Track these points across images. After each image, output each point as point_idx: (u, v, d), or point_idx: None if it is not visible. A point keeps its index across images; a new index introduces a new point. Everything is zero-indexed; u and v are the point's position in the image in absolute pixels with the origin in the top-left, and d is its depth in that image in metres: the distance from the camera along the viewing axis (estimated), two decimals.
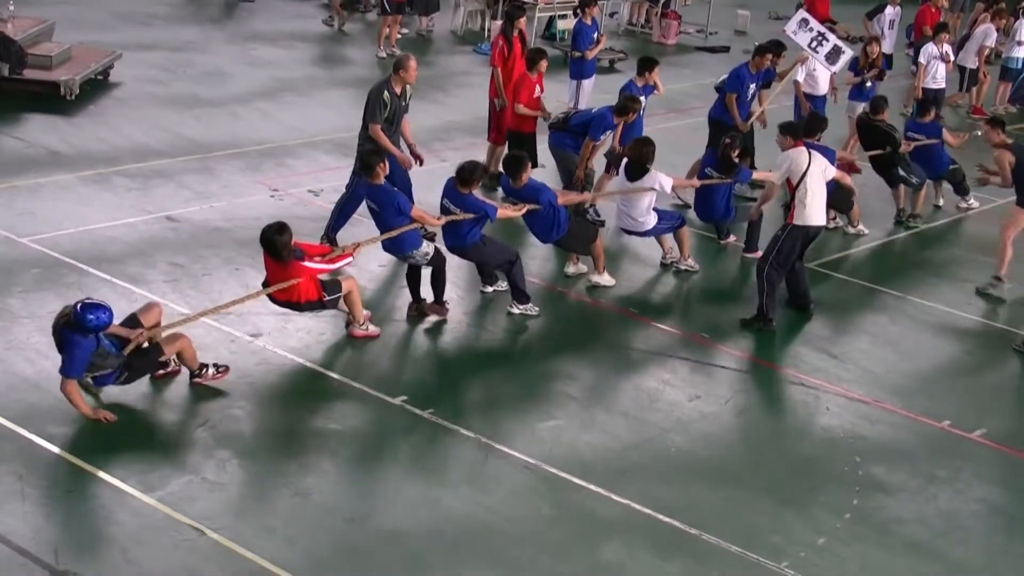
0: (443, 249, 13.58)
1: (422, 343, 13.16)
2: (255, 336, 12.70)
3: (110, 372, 11.11)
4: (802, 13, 19.62)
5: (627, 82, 17.57)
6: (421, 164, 15.28)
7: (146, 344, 11.38)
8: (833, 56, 18.82)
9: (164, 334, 11.51)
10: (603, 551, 9.88)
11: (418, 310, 13.54)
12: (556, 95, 21.69)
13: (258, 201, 16.45)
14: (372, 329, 12.99)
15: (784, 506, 10.73)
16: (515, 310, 13.80)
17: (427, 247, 13.36)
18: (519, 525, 10.11)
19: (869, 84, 20.41)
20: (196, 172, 17.32)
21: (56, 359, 11.67)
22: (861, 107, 19.26)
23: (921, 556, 10.28)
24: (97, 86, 20.92)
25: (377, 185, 13.15)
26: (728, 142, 15.51)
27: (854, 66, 20.65)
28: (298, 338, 12.78)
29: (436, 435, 11.31)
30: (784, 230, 13.92)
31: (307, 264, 12.26)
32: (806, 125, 15.04)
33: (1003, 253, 15.56)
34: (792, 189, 13.88)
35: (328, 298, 12.54)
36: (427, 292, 13.53)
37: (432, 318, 13.46)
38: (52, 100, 19.64)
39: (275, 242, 12.01)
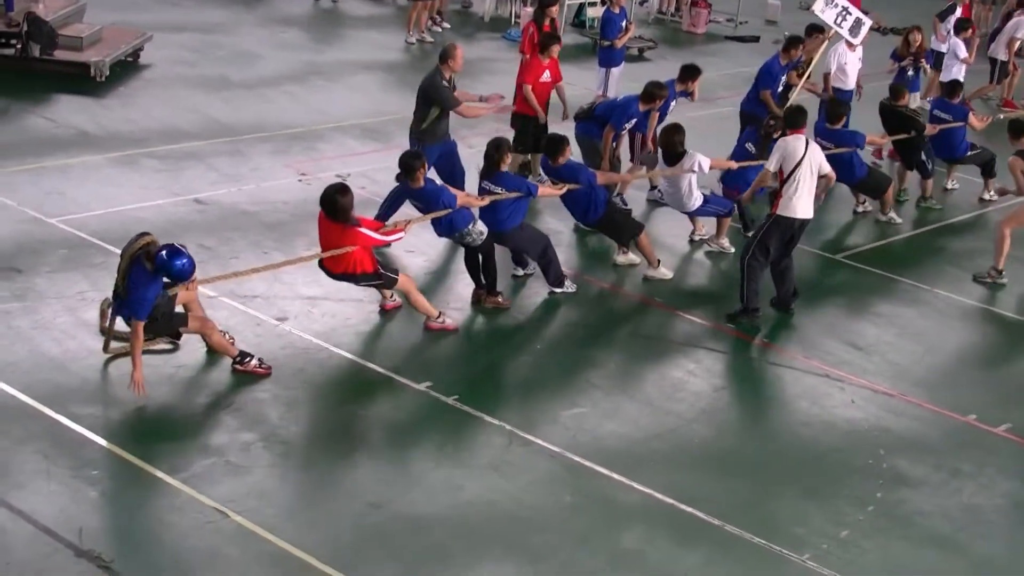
0: None
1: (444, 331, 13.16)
2: (281, 320, 12.73)
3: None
4: None
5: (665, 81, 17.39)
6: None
7: (181, 308, 11.48)
8: (855, 29, 18.71)
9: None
10: (624, 539, 9.89)
11: (482, 297, 13.63)
12: (585, 83, 21.71)
13: (286, 185, 16.48)
14: (448, 322, 12.99)
15: (807, 498, 10.71)
16: (557, 290, 13.91)
17: (482, 225, 13.39)
18: (541, 512, 10.12)
19: (911, 73, 20.37)
20: (225, 155, 17.36)
21: (82, 340, 11.75)
22: (902, 83, 19.21)
23: (944, 550, 10.25)
24: (127, 67, 20.98)
25: (419, 187, 13.16)
26: (771, 123, 15.52)
27: (894, 54, 20.63)
28: (323, 322, 12.80)
29: (460, 422, 11.32)
30: (768, 219, 13.78)
31: (363, 231, 12.24)
32: (790, 117, 14.72)
33: (1001, 245, 15.53)
34: (782, 179, 13.65)
35: (383, 272, 12.54)
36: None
37: (456, 305, 13.47)
38: (82, 81, 19.70)
39: (337, 202, 11.99)
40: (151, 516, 9.62)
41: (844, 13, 18.67)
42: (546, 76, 16.97)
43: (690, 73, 16.96)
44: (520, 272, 14.27)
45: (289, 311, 12.93)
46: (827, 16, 18.81)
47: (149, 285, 10.89)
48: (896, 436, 11.87)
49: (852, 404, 12.36)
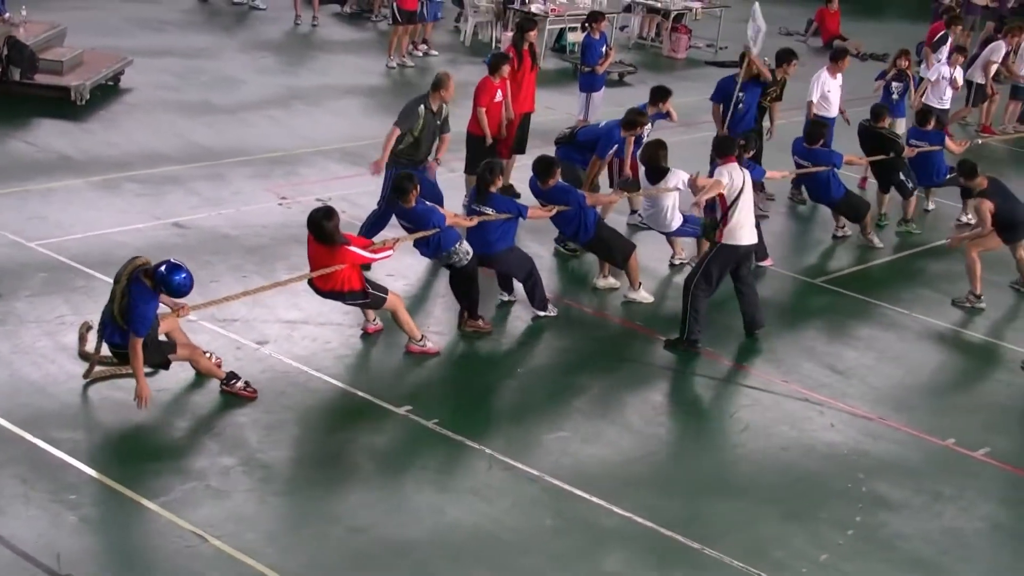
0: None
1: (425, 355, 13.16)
2: (261, 344, 12.72)
3: (127, 332, 11.13)
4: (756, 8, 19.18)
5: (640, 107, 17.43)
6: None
7: (164, 337, 11.49)
8: (755, 37, 18.47)
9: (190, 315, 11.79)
10: (605, 563, 9.89)
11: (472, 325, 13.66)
12: (566, 107, 21.78)
13: (267, 209, 16.48)
14: (430, 345, 13.00)
15: (787, 521, 10.72)
16: (540, 313, 13.96)
17: (467, 245, 13.41)
18: (523, 536, 10.12)
19: (896, 96, 20.48)
20: (205, 179, 17.36)
21: (61, 364, 11.74)
22: (889, 121, 19.29)
23: (925, 573, 10.27)
24: (108, 91, 20.97)
25: (411, 208, 13.19)
26: (743, 143, 15.53)
27: (882, 76, 20.76)
28: (304, 346, 12.80)
29: (441, 445, 11.32)
30: (712, 248, 13.69)
31: (352, 249, 12.31)
32: (723, 144, 14.45)
33: (973, 269, 15.56)
34: (725, 208, 13.54)
35: (371, 290, 12.57)
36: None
37: (436, 329, 13.48)
38: (63, 105, 19.69)
39: (323, 227, 12.08)
40: (130, 540, 9.61)
41: (756, 28, 18.55)
42: (498, 96, 16.99)
43: (661, 95, 17.00)
44: (506, 297, 14.29)
45: (269, 335, 12.92)
46: (751, 32, 18.68)
47: (150, 302, 11.00)
48: (876, 460, 11.89)
49: (832, 428, 12.38)
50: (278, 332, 13.01)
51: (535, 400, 12.47)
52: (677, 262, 15.79)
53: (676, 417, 12.61)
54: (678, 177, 14.70)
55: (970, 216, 18.47)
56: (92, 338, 11.87)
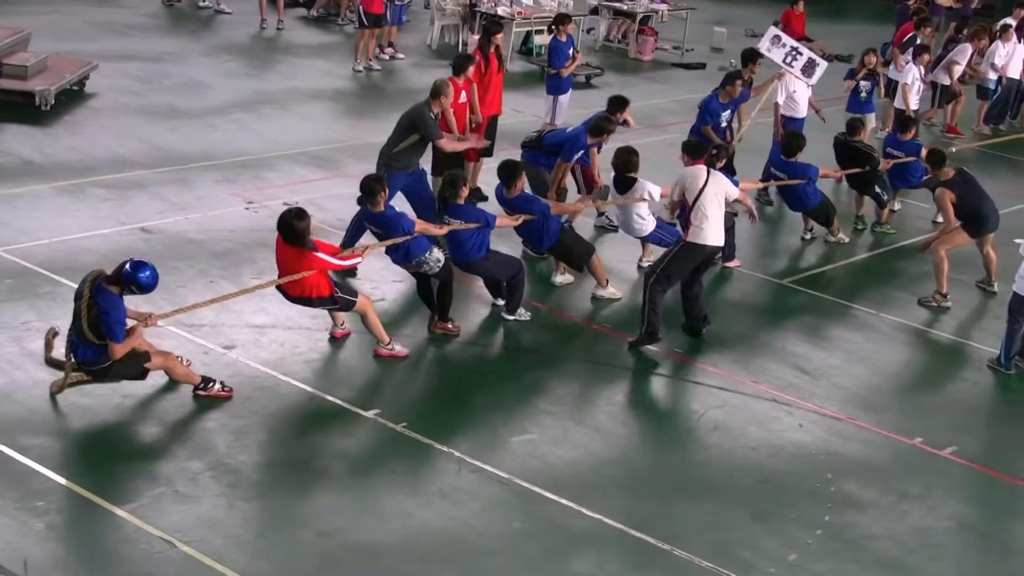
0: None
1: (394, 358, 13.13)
2: (228, 348, 12.68)
3: (100, 347, 11.14)
4: (774, 30, 19.61)
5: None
6: None
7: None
8: (808, 69, 18.86)
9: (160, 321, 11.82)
10: (574, 565, 9.89)
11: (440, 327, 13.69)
12: (532, 110, 21.81)
13: (233, 213, 16.43)
14: (398, 349, 12.98)
15: (756, 522, 10.74)
16: (509, 317, 14.00)
17: (438, 252, 13.41)
18: (492, 539, 10.11)
19: (865, 94, 20.59)
20: (171, 183, 17.29)
21: (28, 370, 11.68)
22: (859, 117, 19.40)
23: (893, 573, 10.30)
24: (73, 96, 20.87)
25: (379, 212, 13.18)
26: (715, 152, 15.55)
27: (850, 75, 20.86)
28: (272, 350, 12.76)
29: (409, 449, 11.30)
30: (678, 245, 13.79)
31: (320, 256, 12.28)
32: (694, 148, 14.58)
33: (941, 267, 15.68)
34: (688, 208, 13.65)
35: (339, 295, 12.55)
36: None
37: (405, 333, 13.47)
38: (27, 110, 19.58)
39: (294, 227, 12.04)
40: (98, 547, 9.55)
41: (794, 53, 18.79)
42: (463, 97, 17.01)
43: (618, 105, 16.87)
44: (500, 302, 14.33)
45: (237, 339, 12.88)
46: (775, 56, 18.96)
47: (119, 307, 11.01)
48: (844, 459, 11.93)
49: (800, 428, 12.42)
50: (246, 337, 12.97)
51: (504, 403, 12.47)
52: (645, 263, 15.80)
53: (645, 418, 12.64)
54: (644, 189, 14.73)
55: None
56: (59, 344, 11.81)
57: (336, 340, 13.12)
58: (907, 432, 12.53)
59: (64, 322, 12.32)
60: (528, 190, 14.82)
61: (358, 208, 13.72)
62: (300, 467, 10.88)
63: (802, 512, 10.95)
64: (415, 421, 11.67)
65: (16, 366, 11.83)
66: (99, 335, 11.03)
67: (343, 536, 9.93)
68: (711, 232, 13.64)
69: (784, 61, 18.87)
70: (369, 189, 13.17)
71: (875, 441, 12.36)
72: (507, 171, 14.23)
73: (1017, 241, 14.30)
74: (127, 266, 11.02)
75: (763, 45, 19.16)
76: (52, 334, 11.75)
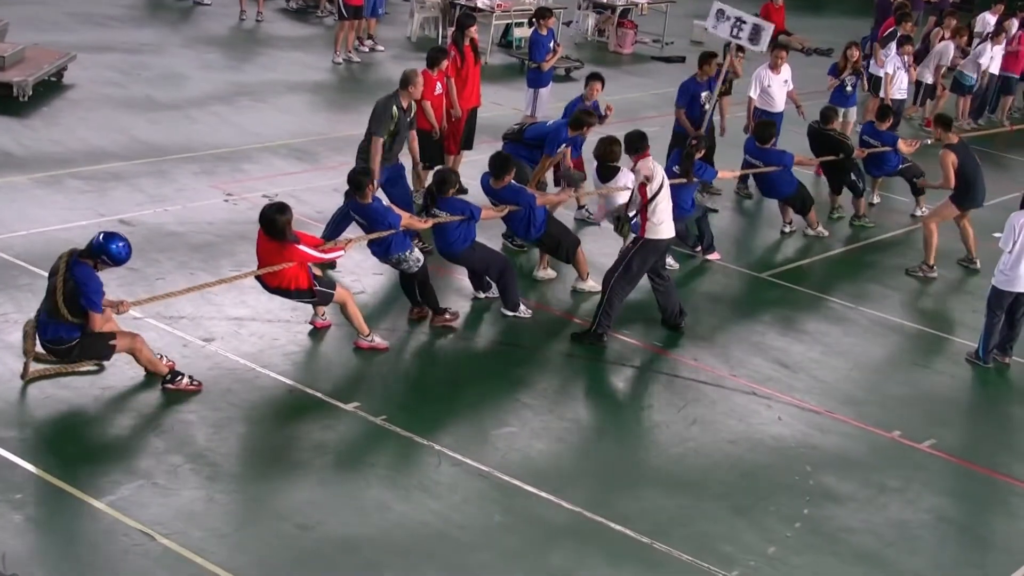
0: (427, 259, 13.82)
1: (374, 351, 13.11)
2: (208, 341, 12.65)
3: (70, 326, 11.18)
4: (717, 4, 19.11)
5: (575, 99, 17.44)
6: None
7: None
8: (755, 36, 18.53)
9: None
10: (554, 558, 9.89)
11: (419, 314, 13.72)
12: (512, 103, 21.79)
13: (212, 205, 16.38)
14: (378, 341, 12.99)
15: (735, 515, 10.76)
16: (507, 313, 14.07)
17: (418, 252, 13.52)
18: (471, 532, 10.11)
19: (850, 88, 20.64)
20: (150, 175, 17.24)
21: (5, 362, 11.65)
22: (842, 111, 19.42)
23: (872, 565, 10.33)
24: (51, 87, 20.79)
25: (366, 204, 13.19)
26: (694, 143, 15.56)
27: (833, 70, 20.86)
28: (251, 343, 12.73)
29: (389, 442, 11.29)
30: (636, 244, 13.69)
31: (301, 248, 12.30)
32: (631, 142, 14.07)
33: (930, 240, 16.23)
34: (645, 202, 13.54)
35: (318, 288, 12.57)
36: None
37: (385, 326, 13.46)
38: (5, 101, 19.49)
39: (276, 221, 12.07)
40: (77, 540, 9.52)
41: (738, 23, 18.56)
42: (439, 89, 17.06)
43: (590, 79, 17.25)
44: (481, 295, 14.40)
45: (216, 332, 12.85)
46: (721, 31, 18.71)
47: (95, 277, 11.11)
48: (823, 453, 11.96)
49: (779, 421, 12.44)
50: (225, 329, 12.94)
51: (483, 395, 12.47)
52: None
53: (624, 412, 12.65)
54: (628, 177, 14.70)
55: (924, 209, 18.65)
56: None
57: (316, 332, 13.10)
58: (885, 425, 12.57)
59: None
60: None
61: (341, 200, 13.71)
62: (279, 460, 10.87)
63: (781, 505, 10.97)
64: (395, 414, 11.66)
65: None
66: (73, 311, 11.05)
67: (322, 529, 9.92)
68: (667, 225, 13.67)
69: (731, 34, 18.64)
70: (357, 182, 13.23)
71: (854, 434, 12.39)
72: (500, 163, 14.24)
73: (996, 235, 14.40)
74: (99, 237, 11.16)
75: (708, 23, 18.95)
76: (31, 325, 11.70)
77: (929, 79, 24.73)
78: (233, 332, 12.90)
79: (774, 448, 11.97)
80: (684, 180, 15.25)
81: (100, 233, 11.22)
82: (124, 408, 11.39)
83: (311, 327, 13.15)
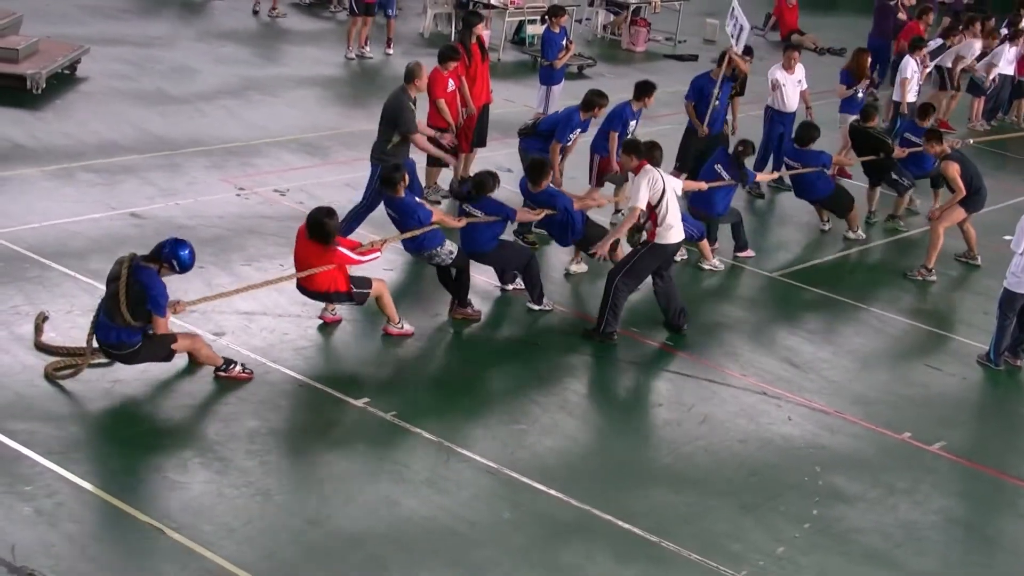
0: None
1: (386, 345, 13.11)
2: (218, 335, 12.65)
3: (132, 330, 11.24)
4: (735, 8, 19.07)
5: (622, 104, 17.02)
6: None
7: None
8: (739, 37, 18.42)
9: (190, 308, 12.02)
10: (563, 556, 9.89)
11: (464, 314, 13.80)
12: (525, 100, 21.78)
13: (223, 199, 16.39)
14: (406, 327, 13.13)
15: (744, 514, 10.76)
16: (534, 307, 14.15)
17: (450, 245, 13.54)
18: (480, 528, 10.11)
19: (860, 95, 20.56)
20: (161, 169, 17.24)
21: (16, 354, 11.66)
22: (852, 118, 19.36)
23: (880, 566, 10.32)
24: (64, 80, 20.80)
25: (399, 198, 13.30)
26: (742, 148, 15.66)
27: (845, 78, 20.69)
28: (262, 338, 12.74)
29: (398, 437, 11.29)
30: (644, 247, 13.70)
31: (341, 250, 12.42)
32: (647, 146, 14.21)
33: (935, 243, 16.28)
34: (652, 210, 13.52)
35: (356, 291, 12.65)
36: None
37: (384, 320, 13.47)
38: (18, 94, 19.50)
39: (325, 225, 12.18)
40: (86, 532, 9.53)
41: (735, 23, 18.53)
42: (450, 86, 17.03)
43: (645, 91, 16.94)
44: (509, 287, 14.51)
45: (226, 326, 12.85)
46: (730, 31, 18.70)
47: (160, 282, 11.20)
48: (832, 453, 11.95)
49: (789, 421, 12.43)
50: (235, 323, 12.94)
51: (493, 392, 12.48)
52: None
53: (634, 410, 12.64)
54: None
55: (937, 204, 18.61)
56: (48, 329, 11.81)
57: (326, 327, 13.11)
58: (895, 427, 12.55)
59: (53, 306, 12.37)
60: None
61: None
62: (288, 455, 10.88)
63: (790, 505, 10.96)
64: (404, 410, 11.66)
65: (4, 350, 11.78)
66: (136, 314, 11.10)
67: (330, 524, 9.92)
68: (675, 231, 13.67)
69: (733, 36, 18.59)
70: (390, 180, 13.36)
71: (863, 435, 12.38)
72: (537, 168, 14.34)
73: (1007, 237, 14.37)
74: (168, 244, 11.25)
75: (728, 28, 18.95)
76: (42, 318, 11.73)
77: (949, 64, 24.53)
78: (243, 326, 12.91)
79: (783, 448, 11.96)
80: (724, 182, 15.60)
81: (169, 240, 11.33)
82: (134, 402, 11.39)
83: (321, 322, 13.16)
